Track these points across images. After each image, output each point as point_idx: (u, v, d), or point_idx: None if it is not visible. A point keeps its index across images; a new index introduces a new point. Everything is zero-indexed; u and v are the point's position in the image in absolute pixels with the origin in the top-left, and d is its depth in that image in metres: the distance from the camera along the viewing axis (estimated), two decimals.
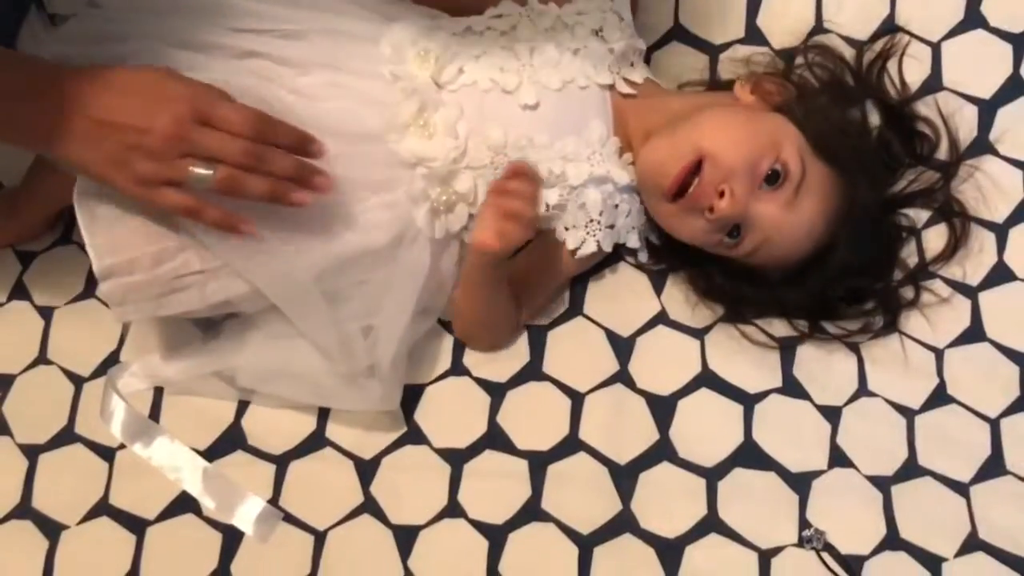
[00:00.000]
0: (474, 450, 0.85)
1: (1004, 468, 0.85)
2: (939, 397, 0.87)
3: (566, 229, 0.86)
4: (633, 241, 0.89)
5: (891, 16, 0.97)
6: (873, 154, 0.89)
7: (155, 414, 0.86)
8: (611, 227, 0.87)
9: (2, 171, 0.93)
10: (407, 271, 0.83)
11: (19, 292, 0.90)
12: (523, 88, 0.84)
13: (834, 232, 0.83)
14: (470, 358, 0.88)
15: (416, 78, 0.84)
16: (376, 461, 0.85)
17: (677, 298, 0.91)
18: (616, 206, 0.87)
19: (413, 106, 0.82)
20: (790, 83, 0.89)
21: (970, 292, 0.90)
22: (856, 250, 0.84)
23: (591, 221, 0.86)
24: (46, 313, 0.89)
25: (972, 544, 0.82)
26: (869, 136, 0.91)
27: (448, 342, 0.89)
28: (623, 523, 0.82)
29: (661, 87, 0.92)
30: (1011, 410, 0.87)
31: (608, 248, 0.88)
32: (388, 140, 0.82)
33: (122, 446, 0.84)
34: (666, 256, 0.91)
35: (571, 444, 0.85)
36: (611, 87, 0.87)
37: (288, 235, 0.79)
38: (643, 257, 0.91)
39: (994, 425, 0.86)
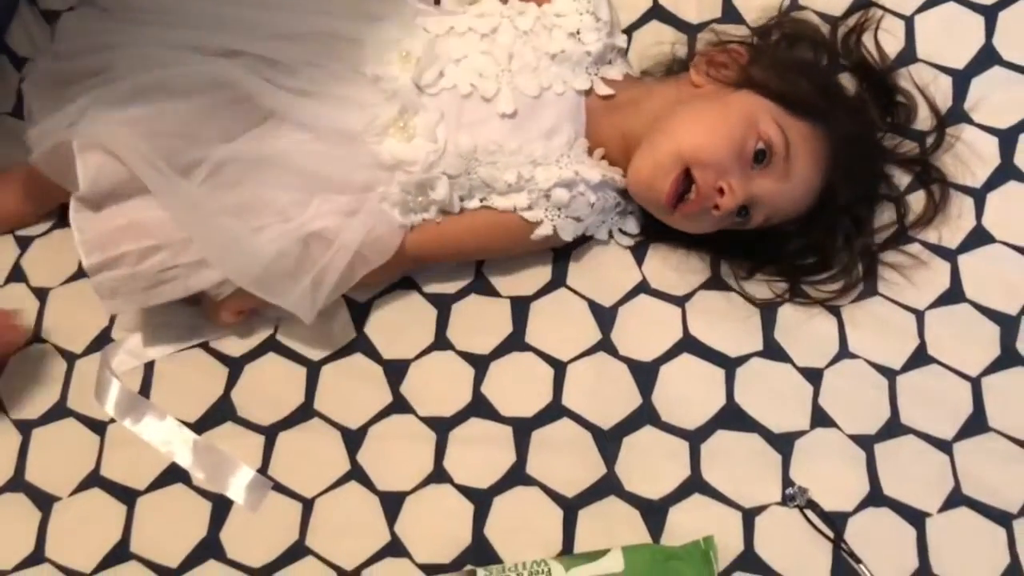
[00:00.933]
0: (459, 418, 0.86)
1: (987, 425, 0.85)
2: (920, 357, 0.88)
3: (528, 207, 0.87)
4: (602, 234, 0.91)
5: None
6: (838, 84, 0.92)
7: (146, 388, 0.87)
8: (577, 219, 0.88)
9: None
10: (373, 249, 0.84)
11: (16, 275, 0.92)
12: (502, 95, 0.86)
13: (831, 175, 0.86)
14: (453, 332, 0.89)
15: (397, 80, 0.85)
16: (363, 431, 0.86)
17: (658, 267, 0.92)
18: (591, 204, 0.88)
19: (394, 109, 0.84)
20: (739, 47, 0.91)
21: (949, 255, 0.91)
22: (853, 181, 0.87)
23: (551, 207, 0.87)
24: (41, 294, 0.91)
25: (956, 499, 0.82)
26: (829, 69, 0.93)
27: (431, 317, 0.90)
28: (608, 486, 0.83)
29: (636, 81, 0.93)
30: (992, 368, 0.87)
31: (568, 238, 0.88)
32: (368, 141, 0.84)
33: (114, 420, 0.86)
34: (662, 235, 0.92)
35: (555, 410, 0.86)
36: (588, 91, 0.88)
37: (262, 224, 0.82)
38: (626, 242, 0.92)
39: (975, 383, 0.87)
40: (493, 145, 0.85)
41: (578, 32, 0.89)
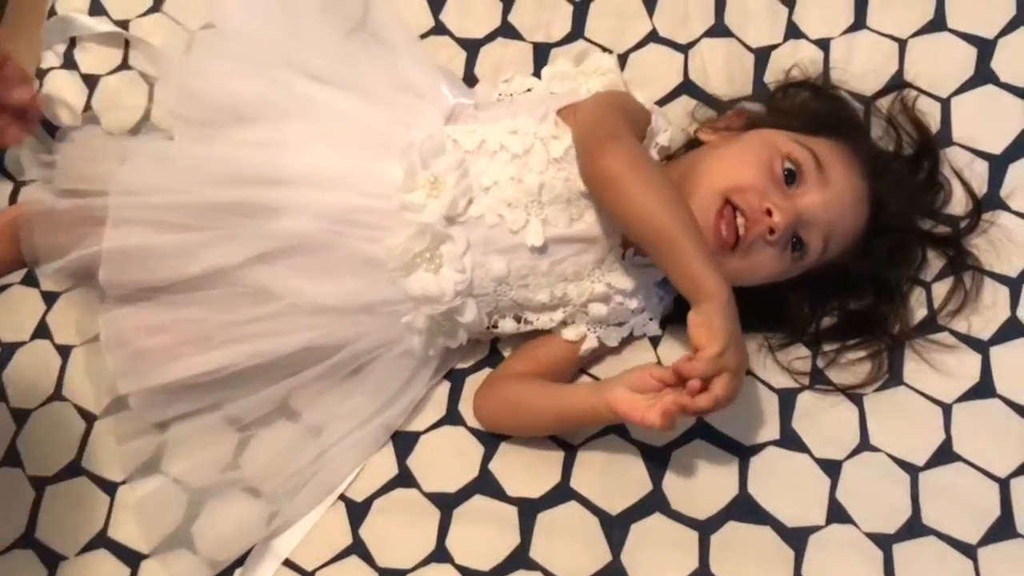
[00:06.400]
0: (464, 495, 0.85)
1: (1014, 531, 0.81)
2: (945, 454, 0.84)
3: (564, 324, 0.87)
4: (653, 330, 0.89)
5: (900, 72, 0.97)
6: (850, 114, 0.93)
7: (160, 452, 0.87)
8: (619, 324, 0.88)
9: None
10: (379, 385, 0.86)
11: (41, 331, 0.94)
12: (530, 228, 0.83)
13: (875, 185, 0.85)
14: (465, 407, 0.89)
15: (424, 209, 0.82)
16: (367, 503, 0.85)
17: (674, 351, 0.90)
18: (632, 310, 0.87)
19: (423, 242, 0.82)
20: (735, 110, 0.92)
21: (980, 346, 0.88)
22: (900, 189, 0.87)
23: (591, 322, 0.87)
24: (64, 352, 0.93)
25: None
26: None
27: (444, 391, 0.90)
28: (612, 574, 0.81)
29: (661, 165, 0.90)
30: (1023, 470, 0.83)
31: (614, 343, 0.88)
32: (393, 272, 0.83)
33: (124, 482, 0.87)
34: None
35: (562, 492, 0.84)
36: None
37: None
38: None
39: (1004, 485, 0.82)
40: (525, 269, 0.84)
41: None
